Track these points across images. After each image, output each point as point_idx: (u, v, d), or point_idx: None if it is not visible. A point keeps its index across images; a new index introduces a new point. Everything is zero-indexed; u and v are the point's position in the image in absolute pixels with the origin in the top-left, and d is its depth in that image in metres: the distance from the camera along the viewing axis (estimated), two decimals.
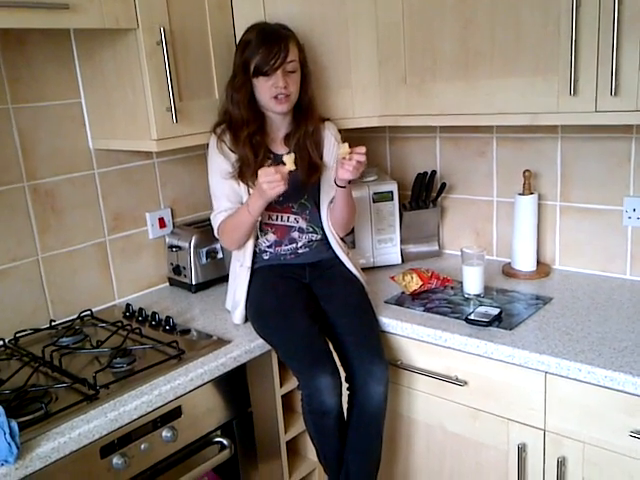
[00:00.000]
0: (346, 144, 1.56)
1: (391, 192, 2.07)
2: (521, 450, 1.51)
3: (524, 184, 1.89)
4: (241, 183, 1.68)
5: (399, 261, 2.11)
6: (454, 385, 1.59)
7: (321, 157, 1.75)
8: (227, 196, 1.70)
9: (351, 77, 1.87)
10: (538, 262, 1.95)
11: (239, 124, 1.68)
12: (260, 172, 1.50)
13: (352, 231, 2.03)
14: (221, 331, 1.68)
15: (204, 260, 2.00)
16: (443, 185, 2.13)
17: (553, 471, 1.46)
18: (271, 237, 1.76)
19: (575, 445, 1.42)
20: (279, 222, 1.75)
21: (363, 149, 1.55)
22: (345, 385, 1.57)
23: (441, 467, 1.72)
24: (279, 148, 1.74)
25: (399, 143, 2.27)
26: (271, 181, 1.48)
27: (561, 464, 1.45)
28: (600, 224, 1.87)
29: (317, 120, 1.76)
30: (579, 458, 1.43)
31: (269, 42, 1.61)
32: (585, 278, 1.88)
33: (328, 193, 1.74)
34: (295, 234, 1.76)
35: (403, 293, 1.82)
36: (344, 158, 1.55)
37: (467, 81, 1.67)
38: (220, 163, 1.69)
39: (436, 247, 2.20)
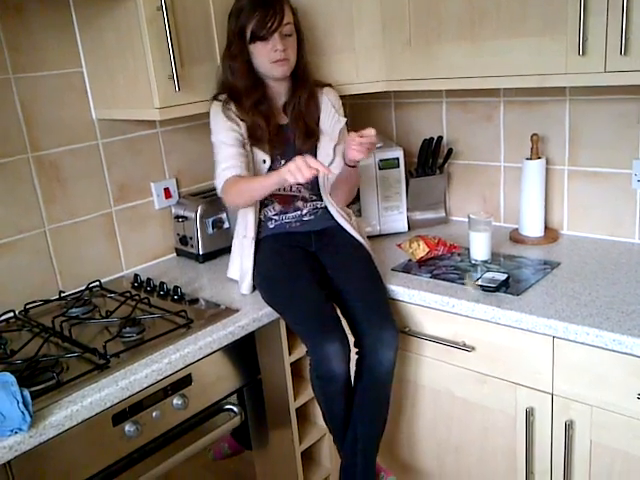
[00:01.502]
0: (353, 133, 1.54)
1: (397, 159, 2.05)
2: (529, 414, 1.52)
3: (532, 148, 1.86)
4: (248, 147, 1.67)
5: (405, 228, 2.10)
6: (462, 351, 1.59)
7: (317, 123, 1.73)
8: (232, 155, 1.65)
9: (354, 41, 1.83)
10: (546, 227, 1.94)
11: (242, 93, 1.66)
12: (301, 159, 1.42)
13: (358, 199, 2.02)
14: (229, 300, 1.68)
15: (210, 230, 2.00)
16: (450, 151, 2.11)
17: (561, 434, 1.48)
18: (277, 207, 1.75)
19: (583, 408, 1.43)
20: (282, 192, 1.74)
21: (372, 131, 1.53)
22: (354, 350, 1.57)
23: (448, 432, 1.74)
24: (279, 117, 1.73)
25: (404, 109, 2.24)
26: (299, 169, 1.40)
27: (569, 427, 1.46)
28: (609, 188, 1.85)
29: (312, 85, 1.74)
30: (587, 421, 1.44)
31: (264, 5, 1.59)
32: (593, 243, 1.87)
33: (325, 161, 1.72)
34: (299, 203, 1.75)
35: (410, 260, 1.82)
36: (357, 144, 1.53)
37: (473, 42, 1.64)
38: (228, 127, 1.65)
39: (443, 214, 2.19)
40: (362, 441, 1.59)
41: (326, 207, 1.78)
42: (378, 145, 2.07)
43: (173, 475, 1.44)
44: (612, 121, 1.79)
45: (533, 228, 1.92)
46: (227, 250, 1.98)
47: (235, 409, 1.56)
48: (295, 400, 1.77)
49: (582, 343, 1.38)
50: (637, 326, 1.33)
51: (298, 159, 1.42)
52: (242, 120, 1.66)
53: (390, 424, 1.66)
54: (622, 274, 1.61)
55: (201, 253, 2.00)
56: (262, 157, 1.69)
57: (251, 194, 1.62)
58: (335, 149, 1.74)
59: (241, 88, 1.66)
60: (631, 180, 1.79)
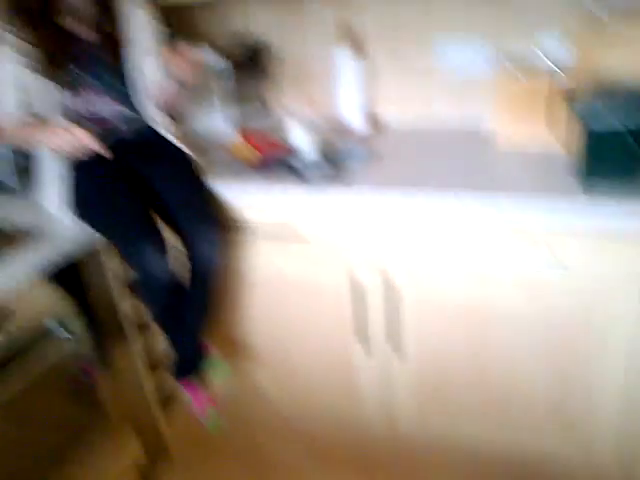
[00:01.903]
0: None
1: (216, 61, 1.97)
2: (360, 292, 1.60)
3: (345, 41, 1.88)
4: (34, 76, 1.51)
5: (230, 130, 2.05)
6: (294, 243, 1.63)
7: (124, 33, 1.60)
8: (6, 93, 1.50)
9: None
10: (367, 119, 1.98)
11: (32, 10, 1.46)
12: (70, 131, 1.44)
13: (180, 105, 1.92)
14: (43, 226, 1.54)
15: (14, 156, 1.80)
16: (268, 49, 2.07)
17: (392, 308, 1.58)
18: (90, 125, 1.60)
19: (411, 282, 1.54)
20: (93, 109, 1.60)
21: (196, 50, 1.50)
22: (181, 251, 1.57)
23: (285, 316, 1.79)
24: (83, 34, 1.56)
25: (222, 12, 2.13)
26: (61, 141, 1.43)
27: (397, 300, 1.56)
28: (419, 73, 1.92)
29: None
30: (414, 295, 1.56)
31: None
32: (411, 128, 1.95)
33: (139, 71, 1.61)
34: (114, 116, 1.62)
35: (238, 160, 1.79)
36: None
37: None
38: (10, 57, 1.48)
39: (268, 114, 2.16)
40: (191, 328, 1.64)
41: (142, 119, 1.67)
42: (203, 60, 1.96)
43: (16, 407, 1.38)
44: (414, 5, 1.83)
45: (355, 120, 1.96)
46: (36, 177, 1.82)
47: (65, 334, 1.47)
48: (130, 315, 1.71)
49: (409, 220, 1.48)
50: (454, 190, 1.43)
51: (61, 132, 1.44)
52: (31, 44, 1.48)
53: (225, 311, 1.72)
54: (440, 152, 1.71)
55: (9, 183, 1.81)
56: (55, 86, 1.53)
57: (26, 144, 1.57)
58: (155, 63, 1.62)
59: (32, 4, 1.46)
60: (437, 61, 1.88)
